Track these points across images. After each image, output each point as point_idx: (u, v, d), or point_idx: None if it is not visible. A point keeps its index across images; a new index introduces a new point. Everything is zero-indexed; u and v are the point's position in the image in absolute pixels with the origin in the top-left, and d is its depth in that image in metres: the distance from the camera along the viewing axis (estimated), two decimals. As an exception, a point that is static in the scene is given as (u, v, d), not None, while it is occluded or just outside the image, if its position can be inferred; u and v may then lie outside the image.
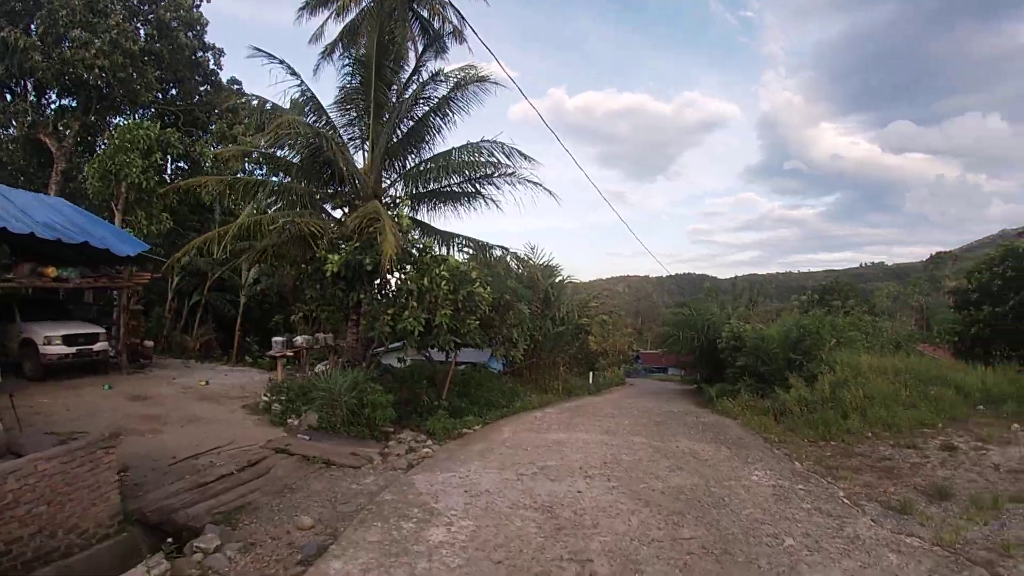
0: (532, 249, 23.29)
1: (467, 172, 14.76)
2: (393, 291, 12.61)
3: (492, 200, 15.20)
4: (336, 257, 11.46)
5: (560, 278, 24.60)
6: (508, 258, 18.26)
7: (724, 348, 20.51)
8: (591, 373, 26.31)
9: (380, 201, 13.31)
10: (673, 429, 12.20)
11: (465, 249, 15.11)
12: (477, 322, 11.83)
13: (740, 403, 15.93)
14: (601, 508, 6.69)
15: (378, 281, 12.54)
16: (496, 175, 14.63)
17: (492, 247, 15.26)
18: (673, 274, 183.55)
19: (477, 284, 11.72)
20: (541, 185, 14.30)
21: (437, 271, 11.30)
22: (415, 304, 11.24)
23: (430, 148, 15.14)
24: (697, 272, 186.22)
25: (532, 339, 22.14)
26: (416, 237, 13.56)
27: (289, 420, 11.03)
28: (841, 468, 8.48)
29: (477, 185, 15.01)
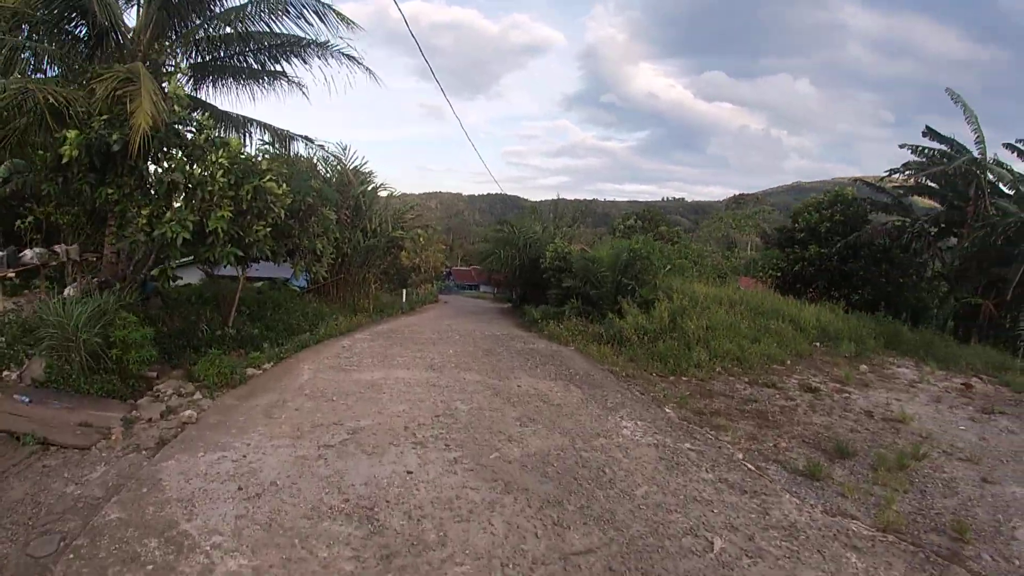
0: (344, 150, 19.52)
1: (266, 42, 10.68)
2: (153, 183, 8.60)
3: (297, 83, 11.39)
4: (74, 134, 7.23)
5: (373, 185, 21.26)
6: (314, 155, 14.56)
7: (548, 268, 19.45)
8: (404, 291, 23.92)
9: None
10: (507, 361, 10.44)
11: (261, 140, 11.26)
12: (267, 229, 8.51)
13: (569, 328, 14.89)
14: (445, 503, 4.51)
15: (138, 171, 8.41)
16: (305, 44, 10.77)
17: (294, 138, 11.57)
18: (486, 194, 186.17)
19: (269, 179, 8.30)
20: (360, 62, 10.86)
21: (213, 158, 7.66)
22: (181, 203, 7.61)
23: (222, 4, 10.58)
24: (509, 193, 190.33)
25: (340, 252, 18.96)
26: (187, 112, 9.38)
27: (4, 373, 7.03)
28: (712, 414, 7.36)
29: (280, 57, 11.04)
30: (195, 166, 7.65)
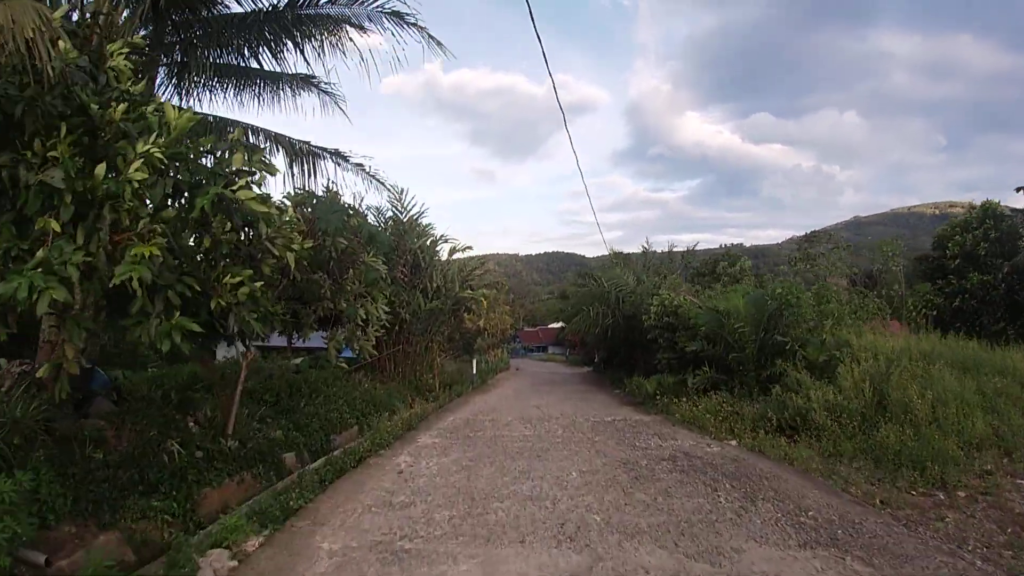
0: (401, 192, 16.41)
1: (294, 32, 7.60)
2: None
3: (328, 91, 8.22)
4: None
5: (433, 238, 17.93)
6: (358, 185, 11.29)
7: (655, 327, 15.29)
8: (473, 360, 20.18)
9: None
10: (680, 495, 6.04)
11: (264, 150, 7.90)
12: (258, 284, 4.74)
13: (708, 407, 10.58)
14: None
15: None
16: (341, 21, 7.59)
17: (321, 155, 8.25)
18: (542, 253, 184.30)
19: (242, 185, 4.56)
20: (431, 38, 7.55)
21: (139, 148, 3.85)
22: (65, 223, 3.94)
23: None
24: (565, 251, 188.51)
25: (397, 318, 15.57)
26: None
27: None
28: None
29: (301, 39, 7.87)
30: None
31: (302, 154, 8.04)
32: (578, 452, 7.81)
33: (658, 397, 12.53)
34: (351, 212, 7.55)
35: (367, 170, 9.54)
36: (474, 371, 19.24)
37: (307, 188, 8.07)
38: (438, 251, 18.22)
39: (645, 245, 19.99)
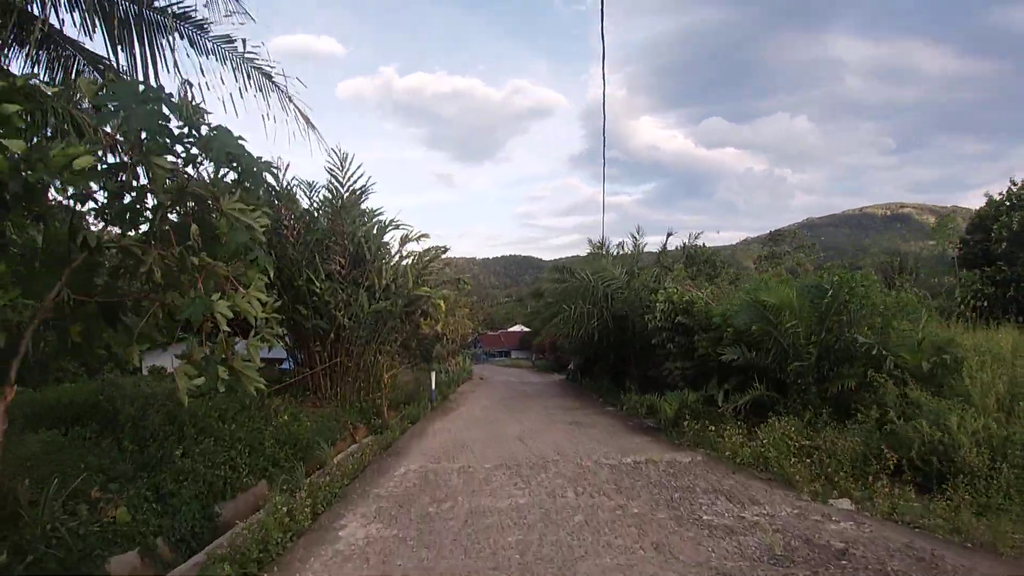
0: (344, 160, 12.73)
1: None
2: None
3: None
4: None
5: (381, 223, 14.18)
6: (252, 101, 7.65)
7: (661, 329, 12.13)
8: (432, 373, 16.54)
9: None
10: None
11: None
12: None
13: (767, 439, 7.38)
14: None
15: None
16: None
17: (162, 23, 4.61)
18: (499, 256, 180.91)
19: None
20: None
21: None
22: None
23: None
24: (521, 254, 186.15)
25: (334, 324, 11.97)
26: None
27: None
28: None
29: None
30: None
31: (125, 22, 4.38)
32: (622, 551, 4.40)
33: (685, 424, 9.27)
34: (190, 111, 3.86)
35: (262, 69, 5.83)
36: (433, 386, 15.63)
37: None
38: (387, 242, 14.58)
39: (635, 235, 16.80)
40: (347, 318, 12.10)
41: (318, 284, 12.02)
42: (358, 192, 13.22)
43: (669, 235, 16.46)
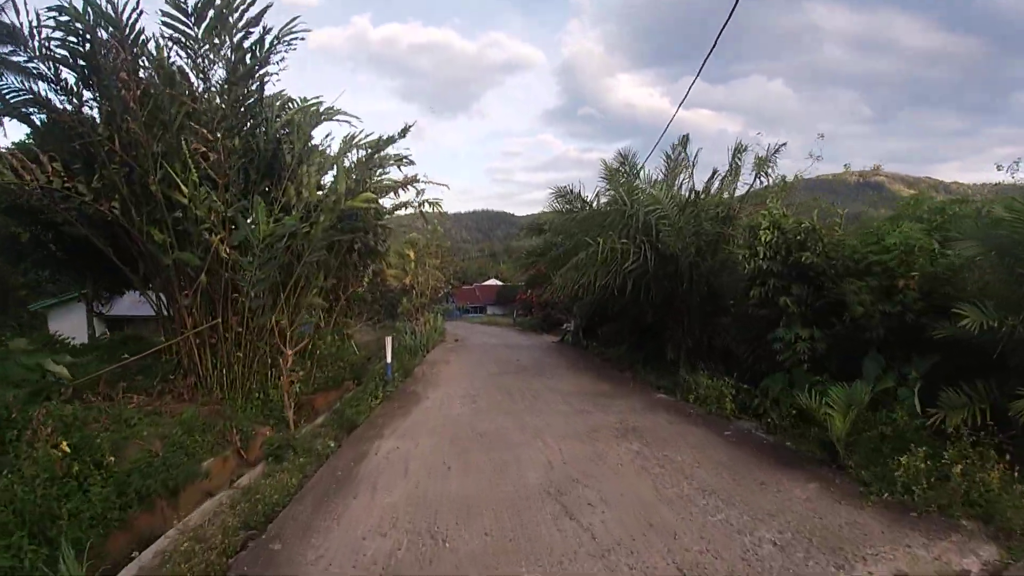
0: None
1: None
2: None
3: None
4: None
5: (315, 106, 8.63)
6: None
7: (765, 273, 7.21)
8: (388, 344, 11.12)
9: None
10: None
11: None
12: None
13: None
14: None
15: None
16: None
17: None
18: (471, 211, 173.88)
19: None
20: None
21: None
22: None
23: None
24: (494, 209, 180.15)
25: (207, 253, 6.80)
26: None
27: None
28: None
29: None
30: None
31: None
32: None
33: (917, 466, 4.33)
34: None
35: None
36: (389, 358, 10.39)
37: None
38: (321, 146, 9.13)
39: (678, 151, 11.53)
40: (229, 247, 6.78)
41: (186, 190, 6.66)
42: (272, 43, 7.63)
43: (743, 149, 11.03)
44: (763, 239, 7.23)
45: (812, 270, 6.86)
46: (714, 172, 10.47)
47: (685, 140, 11.58)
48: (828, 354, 6.67)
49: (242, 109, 7.91)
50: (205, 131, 6.89)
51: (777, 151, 9.73)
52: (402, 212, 12.29)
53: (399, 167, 10.46)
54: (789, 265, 7.05)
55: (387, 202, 11.47)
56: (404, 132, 9.27)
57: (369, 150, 8.96)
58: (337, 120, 8.92)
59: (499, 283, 54.36)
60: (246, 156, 7.77)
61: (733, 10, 7.74)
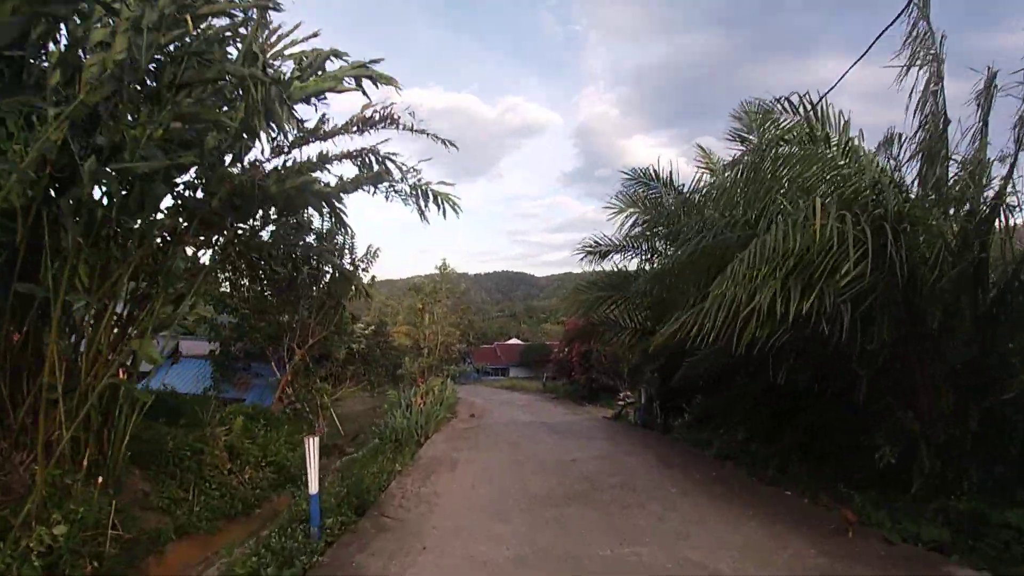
0: None
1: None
2: None
3: None
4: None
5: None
6: None
7: None
8: (312, 441, 6.23)
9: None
10: None
11: None
12: None
13: None
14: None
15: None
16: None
17: None
18: (491, 272, 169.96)
19: None
20: None
21: None
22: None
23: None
24: (513, 270, 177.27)
25: None
26: None
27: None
28: None
29: None
30: None
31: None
32: None
33: None
34: None
35: None
36: (313, 485, 4.67)
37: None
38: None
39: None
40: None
41: None
42: None
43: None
44: None
45: None
46: None
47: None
48: None
49: None
50: None
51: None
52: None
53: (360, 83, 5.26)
54: None
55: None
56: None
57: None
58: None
59: (522, 342, 48.56)
60: None
61: None
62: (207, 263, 6.34)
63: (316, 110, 6.41)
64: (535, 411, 15.97)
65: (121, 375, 4.89)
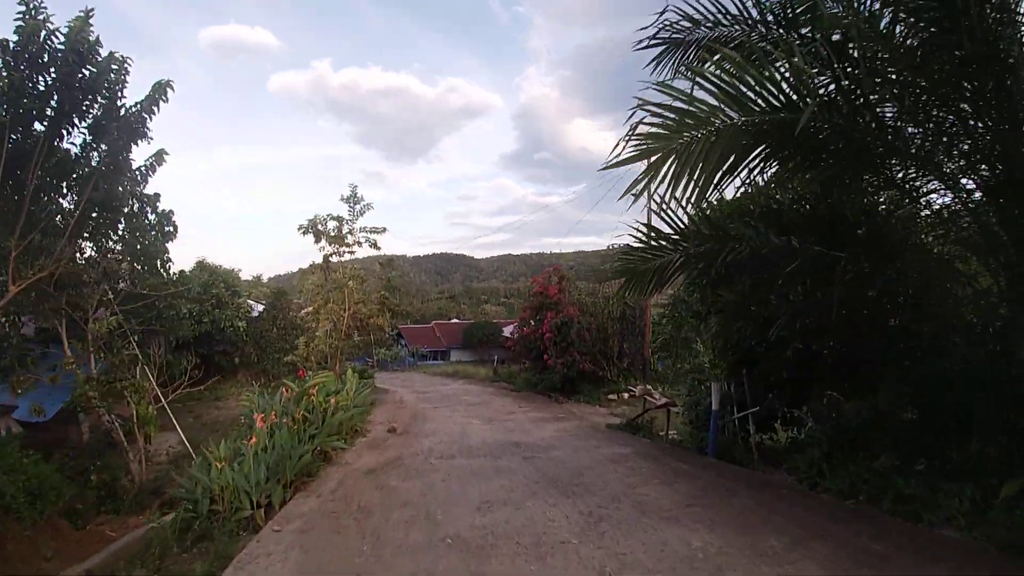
0: None
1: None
2: None
3: None
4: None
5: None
6: None
7: None
8: None
9: None
10: None
11: None
12: None
13: None
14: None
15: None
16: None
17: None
18: (430, 254, 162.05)
19: None
20: None
21: None
22: None
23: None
24: (453, 252, 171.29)
25: None
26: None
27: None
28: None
29: None
30: None
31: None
32: None
33: None
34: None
35: None
36: None
37: None
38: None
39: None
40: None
41: None
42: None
43: None
44: None
45: None
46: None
47: None
48: None
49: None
50: None
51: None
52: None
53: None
54: None
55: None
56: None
57: None
58: None
59: (465, 321, 42.71)
60: None
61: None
62: None
63: None
64: (496, 416, 10.20)
65: None
